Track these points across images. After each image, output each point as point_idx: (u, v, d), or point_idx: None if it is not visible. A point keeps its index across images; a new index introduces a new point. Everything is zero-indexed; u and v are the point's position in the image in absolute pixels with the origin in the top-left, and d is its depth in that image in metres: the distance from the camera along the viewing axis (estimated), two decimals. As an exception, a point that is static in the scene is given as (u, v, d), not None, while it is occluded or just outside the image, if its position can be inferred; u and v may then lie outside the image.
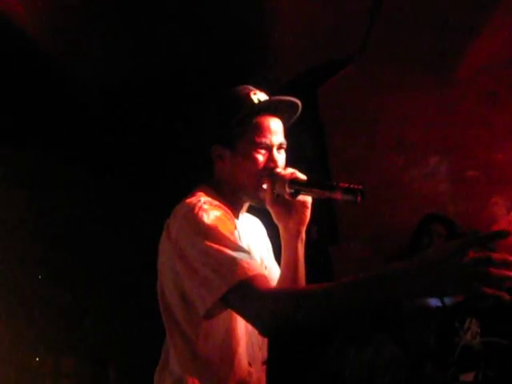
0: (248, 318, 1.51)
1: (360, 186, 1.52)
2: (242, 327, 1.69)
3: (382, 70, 4.10)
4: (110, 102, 3.90)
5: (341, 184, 1.55)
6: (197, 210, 1.59)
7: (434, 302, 3.61)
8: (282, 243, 1.81)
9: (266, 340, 1.82)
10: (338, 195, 1.55)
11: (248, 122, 1.70)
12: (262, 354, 1.82)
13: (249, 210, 1.91)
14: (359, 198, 1.51)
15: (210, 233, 1.54)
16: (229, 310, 1.57)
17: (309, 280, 1.79)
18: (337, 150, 4.15)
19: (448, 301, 3.58)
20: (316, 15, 3.49)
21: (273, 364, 1.87)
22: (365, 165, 4.04)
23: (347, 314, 1.45)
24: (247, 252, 1.57)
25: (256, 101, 1.72)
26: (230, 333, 1.67)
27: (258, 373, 1.77)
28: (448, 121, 4.09)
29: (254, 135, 1.70)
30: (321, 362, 3.61)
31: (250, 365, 1.71)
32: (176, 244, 1.60)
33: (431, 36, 3.73)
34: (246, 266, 1.49)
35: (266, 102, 1.73)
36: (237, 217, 1.79)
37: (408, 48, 3.91)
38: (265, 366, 1.84)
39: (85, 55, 3.58)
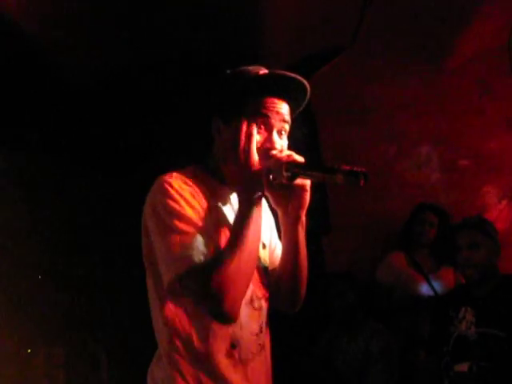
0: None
1: (363, 169, 1.40)
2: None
3: (374, 59, 4.08)
4: (107, 95, 3.85)
5: (342, 166, 1.43)
6: (166, 185, 1.53)
7: (425, 291, 3.63)
8: (282, 228, 1.70)
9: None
10: (340, 179, 1.43)
11: (252, 96, 1.58)
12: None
13: None
14: (362, 181, 1.40)
15: (174, 211, 1.49)
16: None
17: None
18: (329, 140, 4.13)
19: (440, 290, 3.59)
20: (307, 5, 3.47)
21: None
22: (356, 154, 4.02)
23: None
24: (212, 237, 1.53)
25: (263, 73, 1.62)
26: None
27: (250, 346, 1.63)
28: (440, 110, 4.09)
29: (255, 110, 1.58)
30: (314, 350, 3.62)
31: (233, 347, 1.59)
32: (146, 219, 1.58)
33: (423, 25, 3.72)
34: (199, 252, 1.46)
35: (273, 73, 1.61)
36: (227, 197, 1.67)
37: (399, 37, 3.90)
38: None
39: (80, 45, 3.54)
